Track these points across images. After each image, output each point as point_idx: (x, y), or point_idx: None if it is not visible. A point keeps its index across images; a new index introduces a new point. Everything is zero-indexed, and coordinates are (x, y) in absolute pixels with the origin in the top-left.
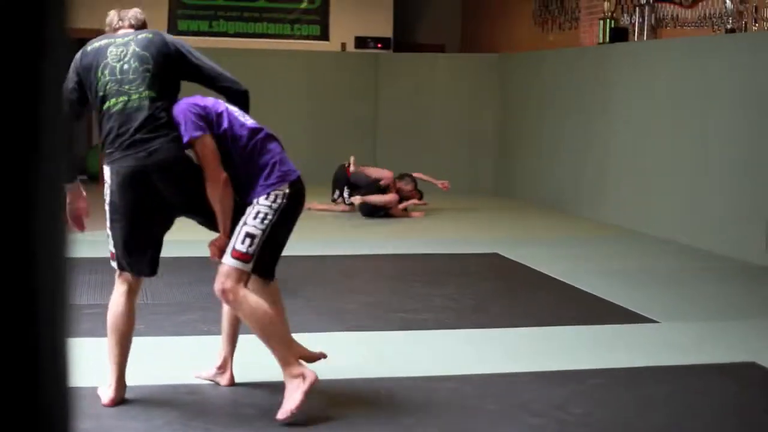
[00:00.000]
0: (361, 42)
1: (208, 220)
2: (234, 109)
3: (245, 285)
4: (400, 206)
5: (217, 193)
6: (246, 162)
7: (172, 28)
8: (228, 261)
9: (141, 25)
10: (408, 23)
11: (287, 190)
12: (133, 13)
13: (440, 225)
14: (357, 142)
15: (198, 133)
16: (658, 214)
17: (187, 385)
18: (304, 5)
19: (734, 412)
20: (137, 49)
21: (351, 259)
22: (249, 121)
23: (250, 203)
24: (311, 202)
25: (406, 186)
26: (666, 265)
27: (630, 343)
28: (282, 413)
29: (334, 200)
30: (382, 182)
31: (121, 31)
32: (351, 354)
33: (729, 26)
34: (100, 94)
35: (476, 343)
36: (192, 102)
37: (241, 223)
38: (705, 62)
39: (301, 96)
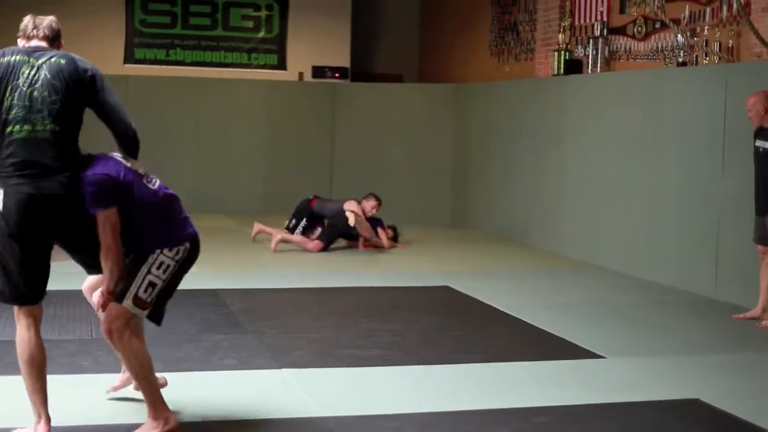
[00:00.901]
0: (318, 71)
1: (85, 261)
2: (140, 173)
3: (131, 326)
4: (365, 245)
5: (109, 263)
6: (152, 221)
7: (129, 57)
8: (126, 304)
9: (55, 36)
10: (366, 53)
11: (188, 246)
12: (48, 22)
13: (393, 256)
14: (314, 170)
15: (104, 209)
16: (611, 247)
17: (118, 425)
18: (261, 35)
19: None
20: (48, 76)
21: (302, 292)
22: (155, 184)
23: (152, 252)
24: (284, 233)
25: (368, 203)
26: (616, 298)
27: (576, 379)
28: None
29: (288, 228)
30: (350, 222)
31: (34, 42)
32: (295, 392)
33: (680, 59)
34: (3, 116)
35: (421, 380)
36: (106, 173)
37: (144, 271)
38: (657, 94)
39: (258, 124)
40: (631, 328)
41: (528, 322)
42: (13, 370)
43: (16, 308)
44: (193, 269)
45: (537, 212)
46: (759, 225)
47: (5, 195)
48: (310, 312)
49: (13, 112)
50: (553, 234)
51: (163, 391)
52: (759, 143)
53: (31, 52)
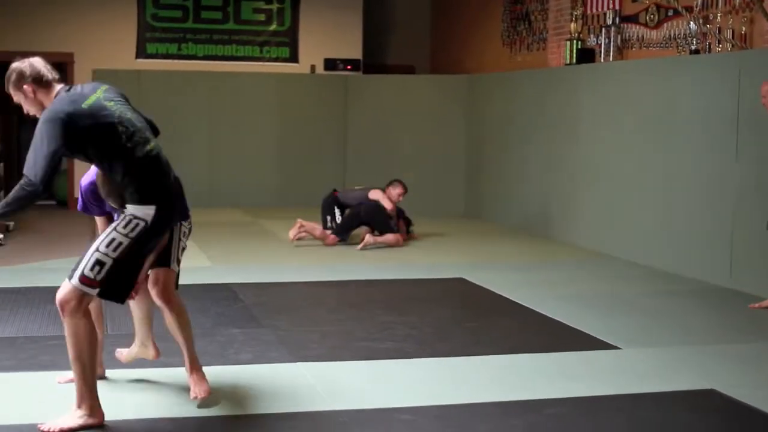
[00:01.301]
0: (330, 64)
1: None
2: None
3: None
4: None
5: None
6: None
7: (141, 52)
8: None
9: None
10: (377, 45)
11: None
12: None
13: (407, 249)
14: (326, 163)
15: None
16: (625, 237)
17: (143, 419)
18: (273, 27)
19: None
20: (123, 99)
21: (316, 285)
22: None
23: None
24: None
25: (394, 190)
26: (631, 288)
27: (590, 370)
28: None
29: (326, 228)
30: (389, 210)
31: (59, 85)
32: (310, 385)
33: (693, 47)
34: (127, 144)
35: (436, 372)
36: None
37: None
38: (670, 82)
39: (270, 118)
40: (646, 319)
41: (542, 313)
42: (30, 366)
43: (81, 303)
44: (207, 263)
45: (550, 203)
46: None
47: (157, 214)
48: (325, 305)
49: (138, 134)
50: (567, 225)
51: (176, 384)
52: None
53: (83, 90)
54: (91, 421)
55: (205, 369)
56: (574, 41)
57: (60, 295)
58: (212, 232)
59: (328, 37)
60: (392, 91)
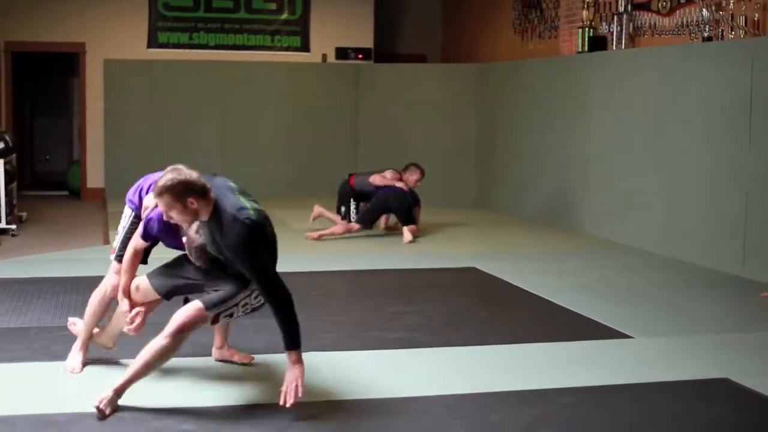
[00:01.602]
0: (341, 53)
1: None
2: None
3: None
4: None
5: None
6: None
7: (153, 41)
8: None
9: None
10: (389, 34)
11: None
12: None
13: (418, 238)
14: (338, 152)
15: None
16: (638, 226)
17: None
18: (284, 16)
19: (701, 428)
20: None
21: (328, 275)
22: None
23: None
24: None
25: (411, 176)
26: (644, 277)
27: (603, 360)
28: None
29: (342, 216)
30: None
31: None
32: (322, 375)
33: (706, 34)
34: None
35: (448, 362)
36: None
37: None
38: (682, 70)
39: (282, 107)
40: (659, 308)
41: (555, 302)
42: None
43: (194, 330)
44: None
45: (562, 192)
46: None
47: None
48: (337, 295)
49: None
50: (578, 214)
51: (194, 375)
52: None
53: (238, 201)
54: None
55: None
56: (586, 29)
57: (186, 317)
58: None
59: (339, 26)
60: (404, 81)
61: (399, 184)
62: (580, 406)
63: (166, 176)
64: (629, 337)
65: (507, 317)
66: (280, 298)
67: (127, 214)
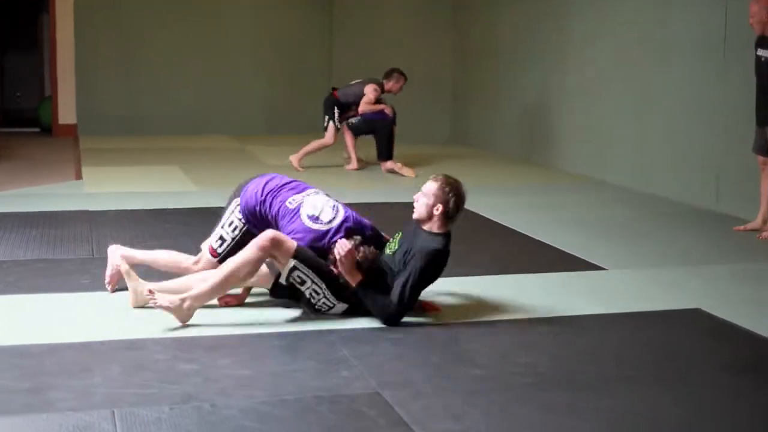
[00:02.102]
0: None
1: None
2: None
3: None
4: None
5: None
6: None
7: None
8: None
9: None
10: None
11: None
12: None
13: (395, 174)
14: (311, 89)
15: None
16: (614, 161)
17: (131, 341)
18: None
19: (679, 357)
20: None
21: None
22: None
23: None
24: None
25: (396, 84)
26: (618, 212)
27: (578, 290)
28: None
29: (324, 128)
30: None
31: None
32: (292, 305)
33: None
34: None
35: (425, 293)
36: None
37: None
38: (659, 3)
39: (252, 42)
40: (633, 241)
41: (530, 235)
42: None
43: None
44: (195, 189)
45: (539, 128)
46: (759, 135)
47: None
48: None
49: None
50: (556, 150)
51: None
52: (761, 52)
53: None
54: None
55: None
56: None
57: (275, 234)
58: (198, 158)
59: None
60: (379, 12)
61: (387, 111)
62: (557, 335)
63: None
64: (602, 269)
65: (482, 250)
66: (395, 312)
67: (238, 225)
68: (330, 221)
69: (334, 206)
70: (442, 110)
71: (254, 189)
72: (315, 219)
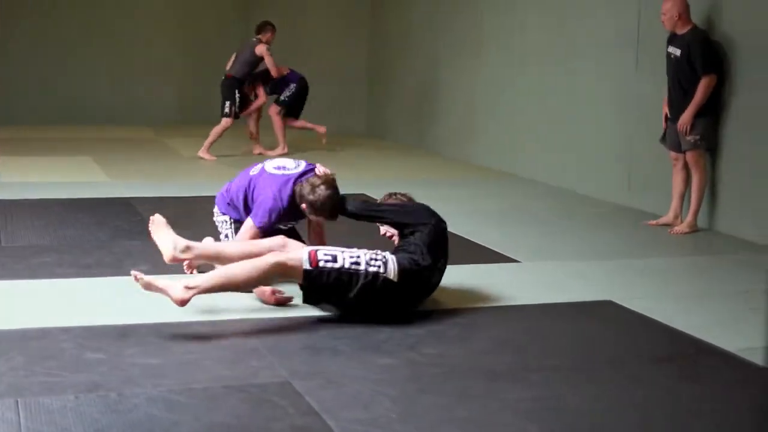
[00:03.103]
0: None
1: None
2: None
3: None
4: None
5: None
6: None
7: None
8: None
9: None
10: None
11: None
12: None
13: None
14: None
15: None
16: (526, 155)
17: (37, 329)
18: None
19: (592, 348)
20: None
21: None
22: None
23: None
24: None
25: (272, 35)
26: (532, 205)
27: (490, 282)
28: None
29: (226, 114)
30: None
31: None
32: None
33: None
34: None
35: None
36: None
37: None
38: (574, 5)
39: (166, 32)
40: (546, 234)
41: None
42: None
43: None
44: (105, 178)
45: (453, 122)
46: (671, 131)
47: None
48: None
49: None
50: (470, 144)
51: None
52: (671, 49)
53: None
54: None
55: (101, 280)
56: None
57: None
58: (111, 148)
59: None
60: (295, 3)
61: (285, 71)
62: (465, 326)
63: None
64: (516, 261)
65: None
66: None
67: (228, 222)
68: (295, 168)
69: (296, 160)
70: (359, 103)
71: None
72: (280, 168)
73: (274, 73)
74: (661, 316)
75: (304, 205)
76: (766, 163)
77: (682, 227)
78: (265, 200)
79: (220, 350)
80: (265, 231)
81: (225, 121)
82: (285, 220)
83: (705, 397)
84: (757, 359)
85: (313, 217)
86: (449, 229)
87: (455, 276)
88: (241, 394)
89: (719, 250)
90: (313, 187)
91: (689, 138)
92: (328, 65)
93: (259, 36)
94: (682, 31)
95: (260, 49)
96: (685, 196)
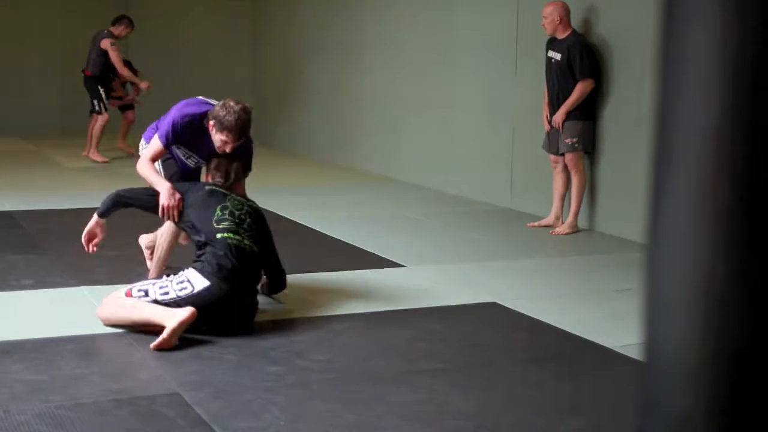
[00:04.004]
0: None
1: None
2: None
3: None
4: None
5: None
6: None
7: None
8: None
9: None
10: None
11: None
12: None
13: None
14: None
15: None
16: (410, 161)
17: None
18: None
19: (479, 349)
20: None
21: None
22: None
23: None
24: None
25: (126, 29)
26: (415, 210)
27: (375, 287)
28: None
29: (98, 112)
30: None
31: None
32: (88, 308)
33: None
34: None
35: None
36: None
37: None
38: (454, 11)
39: (42, 40)
40: (430, 238)
41: (328, 234)
42: None
43: None
44: None
45: (335, 129)
46: (551, 134)
47: None
48: (108, 229)
49: None
50: (352, 150)
51: None
52: (551, 54)
53: None
54: None
55: None
56: None
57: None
58: None
59: None
60: (177, 10)
61: (143, 86)
62: (352, 331)
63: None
64: (402, 266)
65: (280, 249)
66: None
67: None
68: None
69: None
70: None
71: None
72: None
73: (119, 69)
74: (544, 315)
75: (211, 122)
76: (642, 163)
77: (563, 228)
78: (170, 113)
79: (107, 364)
80: (169, 149)
81: (100, 119)
82: (189, 141)
83: (587, 393)
84: (636, 354)
85: (218, 140)
86: (334, 235)
87: (340, 282)
88: (131, 407)
89: (599, 249)
90: (227, 106)
91: (567, 141)
92: (210, 73)
93: (111, 28)
94: (562, 35)
95: (104, 44)
96: (565, 197)
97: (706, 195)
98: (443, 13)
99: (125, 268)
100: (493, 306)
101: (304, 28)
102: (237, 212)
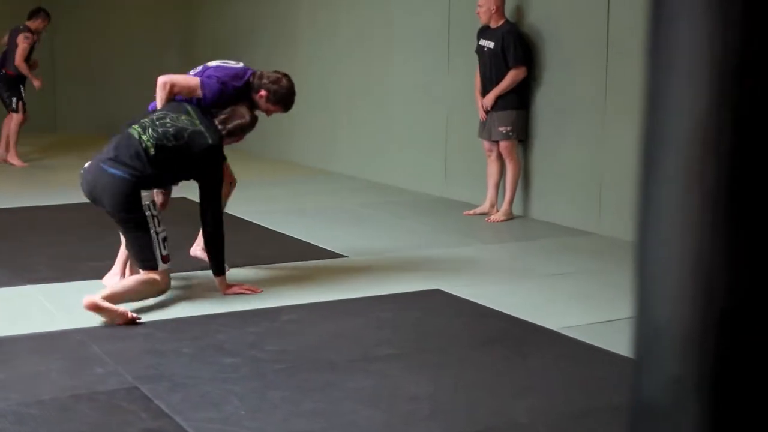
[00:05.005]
0: None
1: None
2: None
3: None
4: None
5: None
6: None
7: None
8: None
9: None
10: None
11: None
12: None
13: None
14: (32, 90)
15: None
16: (344, 152)
17: None
18: None
19: (427, 335)
20: None
21: (36, 210)
22: None
23: None
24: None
25: (42, 23)
26: (353, 201)
27: (320, 279)
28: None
29: (14, 110)
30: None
31: None
32: (42, 306)
33: None
34: None
35: (173, 289)
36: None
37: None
38: (386, 1)
39: None
40: (370, 229)
41: (267, 227)
42: None
43: None
44: None
45: (271, 122)
46: (486, 123)
47: None
48: (47, 229)
49: None
50: (289, 143)
51: None
52: (483, 42)
53: None
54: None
55: None
56: None
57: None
58: None
59: None
60: (103, 6)
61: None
62: (302, 321)
63: None
64: (343, 256)
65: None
66: None
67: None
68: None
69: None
70: None
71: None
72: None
73: (17, 60)
74: (487, 300)
75: (263, 92)
76: (573, 150)
77: (498, 215)
78: (216, 77)
79: (63, 361)
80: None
81: (16, 117)
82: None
83: (534, 374)
84: (578, 335)
85: (269, 109)
86: (275, 228)
87: (286, 274)
88: (90, 402)
89: (535, 235)
90: (281, 83)
91: (501, 129)
92: (141, 69)
93: (27, 23)
94: (496, 24)
95: (20, 38)
96: (500, 185)
97: (694, 178)
98: (377, 5)
99: (67, 266)
100: (437, 293)
101: (236, 19)
102: (170, 122)
